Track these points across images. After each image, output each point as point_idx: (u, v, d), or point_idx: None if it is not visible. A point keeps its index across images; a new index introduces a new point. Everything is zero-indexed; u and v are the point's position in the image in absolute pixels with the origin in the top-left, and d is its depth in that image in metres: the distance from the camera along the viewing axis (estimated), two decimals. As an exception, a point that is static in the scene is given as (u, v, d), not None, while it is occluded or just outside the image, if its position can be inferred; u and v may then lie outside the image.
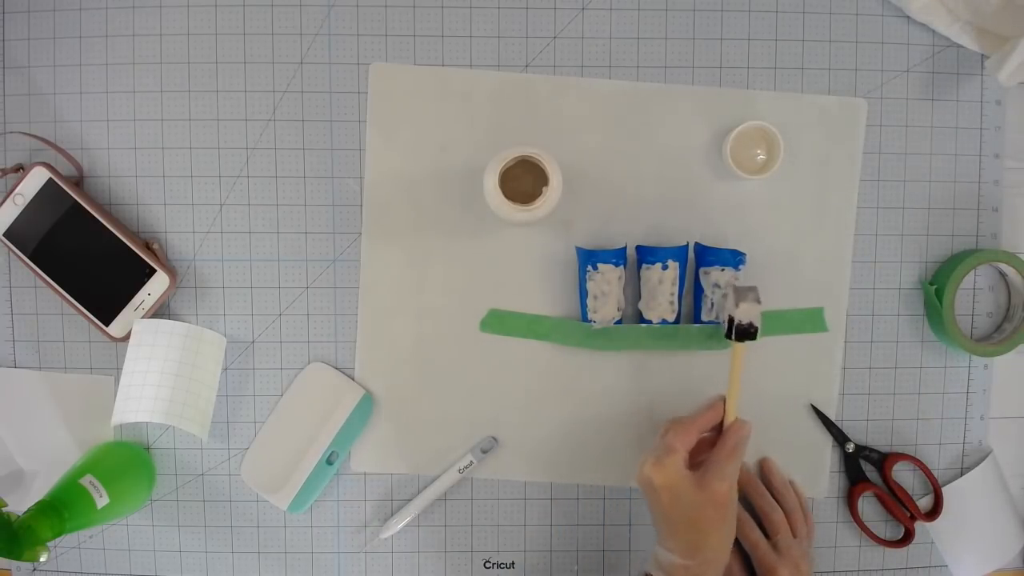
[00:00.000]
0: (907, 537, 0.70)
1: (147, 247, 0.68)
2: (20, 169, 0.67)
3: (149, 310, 0.67)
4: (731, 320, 0.61)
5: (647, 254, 0.67)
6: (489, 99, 0.69)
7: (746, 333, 0.61)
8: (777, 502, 0.67)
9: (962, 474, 0.72)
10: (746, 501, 0.68)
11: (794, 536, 0.66)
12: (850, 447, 0.70)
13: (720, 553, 0.57)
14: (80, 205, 0.66)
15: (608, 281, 0.66)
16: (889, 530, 0.72)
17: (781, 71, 0.69)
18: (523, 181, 0.63)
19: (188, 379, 0.67)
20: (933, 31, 0.69)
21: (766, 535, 0.66)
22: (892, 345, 0.71)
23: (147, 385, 0.66)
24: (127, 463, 0.68)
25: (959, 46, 0.70)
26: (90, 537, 0.71)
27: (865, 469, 0.71)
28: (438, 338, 0.70)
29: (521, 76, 0.69)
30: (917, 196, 0.71)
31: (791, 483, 0.70)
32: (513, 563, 0.71)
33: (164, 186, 0.69)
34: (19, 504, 0.68)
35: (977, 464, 0.72)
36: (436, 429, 0.70)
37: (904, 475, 0.72)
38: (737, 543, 0.67)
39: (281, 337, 0.70)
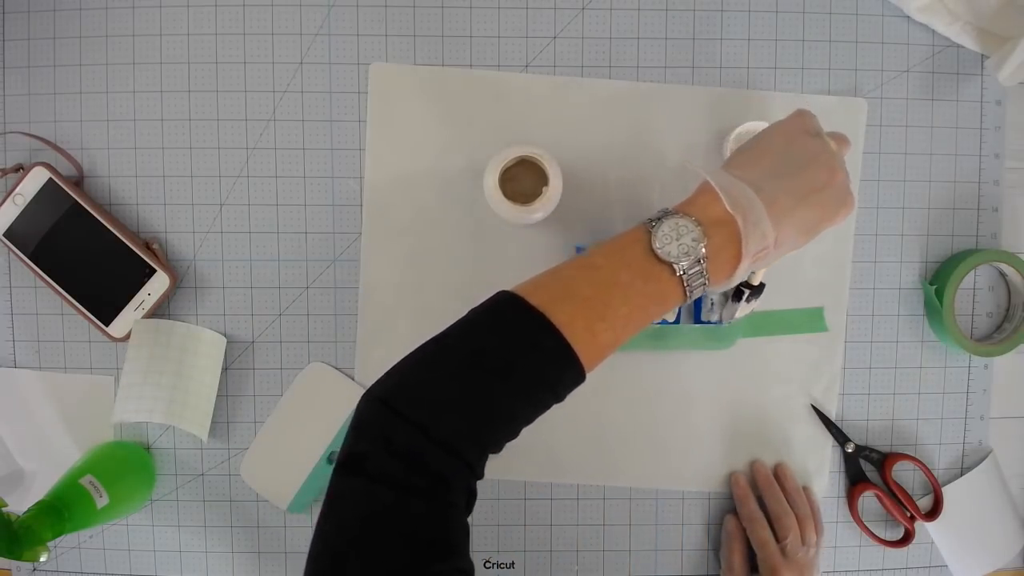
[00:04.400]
0: (907, 537, 0.70)
1: (147, 247, 0.68)
2: (20, 169, 0.67)
3: (149, 310, 0.67)
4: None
5: None
6: (489, 99, 0.69)
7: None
8: (790, 508, 0.68)
9: (962, 474, 0.72)
10: (760, 501, 0.69)
11: (803, 544, 0.66)
12: (850, 447, 0.70)
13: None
14: (80, 205, 0.66)
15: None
16: (889, 530, 0.72)
17: (781, 71, 0.69)
18: (523, 181, 0.63)
19: (188, 379, 0.67)
20: (933, 31, 0.69)
21: (777, 538, 0.66)
22: (892, 345, 0.71)
23: (147, 385, 0.66)
24: (127, 463, 0.68)
25: (959, 46, 0.70)
26: (90, 537, 0.71)
27: (865, 469, 0.71)
28: (438, 338, 0.69)
29: (521, 76, 0.69)
30: (917, 196, 0.71)
31: (806, 491, 0.70)
32: (513, 563, 0.71)
33: (164, 186, 0.69)
34: (19, 504, 0.68)
35: (977, 464, 0.72)
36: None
37: (904, 475, 0.72)
38: (746, 540, 0.68)
39: (281, 337, 0.70)
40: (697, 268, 0.46)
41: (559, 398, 0.47)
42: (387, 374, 0.45)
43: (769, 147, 0.51)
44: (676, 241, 0.46)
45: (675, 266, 0.46)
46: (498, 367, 0.44)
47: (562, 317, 0.44)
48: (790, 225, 0.47)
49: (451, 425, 0.42)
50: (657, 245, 0.46)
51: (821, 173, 0.49)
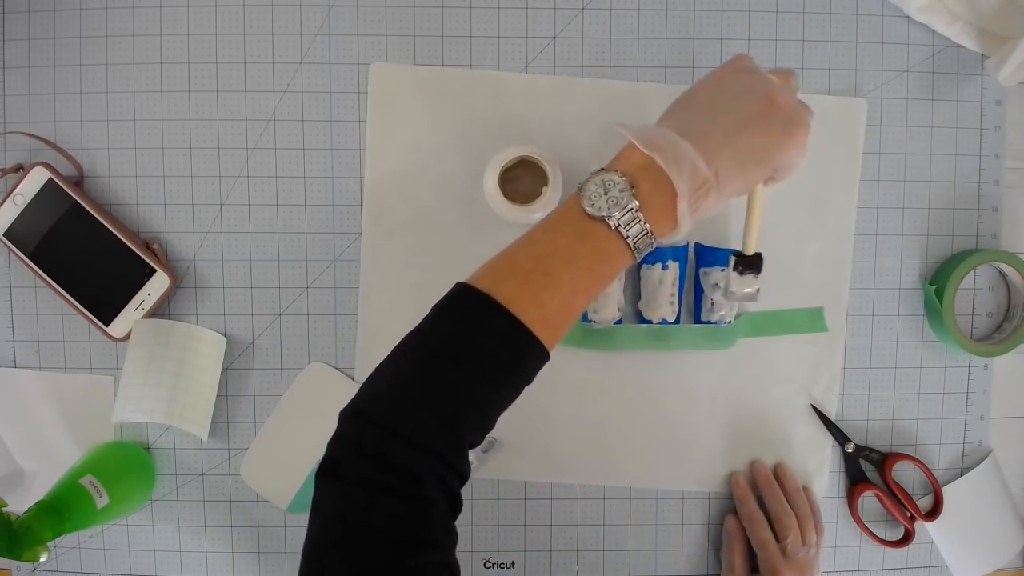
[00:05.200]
0: (907, 537, 0.70)
1: (147, 247, 0.68)
2: (20, 169, 0.67)
3: (149, 310, 0.67)
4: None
5: (647, 254, 0.66)
6: (489, 99, 0.69)
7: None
8: (790, 507, 0.68)
9: (962, 474, 0.72)
10: (761, 501, 0.69)
11: (803, 544, 0.66)
12: (850, 447, 0.70)
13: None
14: (80, 205, 0.66)
15: (608, 281, 0.65)
16: (889, 530, 0.72)
17: (781, 71, 0.69)
18: (523, 181, 0.63)
19: (188, 379, 0.67)
20: (933, 31, 0.69)
21: (777, 538, 0.66)
22: (892, 345, 0.71)
23: (147, 385, 0.66)
24: (127, 463, 0.68)
25: (959, 46, 0.70)
26: (90, 537, 0.71)
27: (865, 469, 0.71)
28: (438, 338, 0.69)
29: (521, 76, 0.69)
30: (917, 196, 0.71)
31: (806, 491, 0.70)
32: (513, 563, 0.71)
33: (164, 186, 0.69)
34: (19, 504, 0.68)
35: (977, 464, 0.72)
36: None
37: (904, 475, 0.72)
38: (747, 540, 0.68)
39: (281, 337, 0.70)
40: (632, 218, 0.45)
41: (527, 378, 0.47)
42: (364, 382, 0.46)
43: (699, 91, 0.50)
44: (604, 196, 0.45)
45: (608, 220, 0.45)
46: (454, 355, 0.44)
47: (506, 293, 0.45)
48: (729, 157, 0.46)
49: (415, 420, 0.43)
50: (586, 204, 0.46)
51: (756, 103, 0.48)
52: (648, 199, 0.45)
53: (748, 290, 0.60)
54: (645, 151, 0.46)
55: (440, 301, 0.47)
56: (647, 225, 0.46)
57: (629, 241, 0.46)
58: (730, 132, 0.47)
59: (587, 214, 0.46)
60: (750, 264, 0.59)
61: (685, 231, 0.47)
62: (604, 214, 0.45)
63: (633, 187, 0.45)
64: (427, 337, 0.46)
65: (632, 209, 0.45)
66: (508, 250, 0.48)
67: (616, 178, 0.45)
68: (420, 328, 0.47)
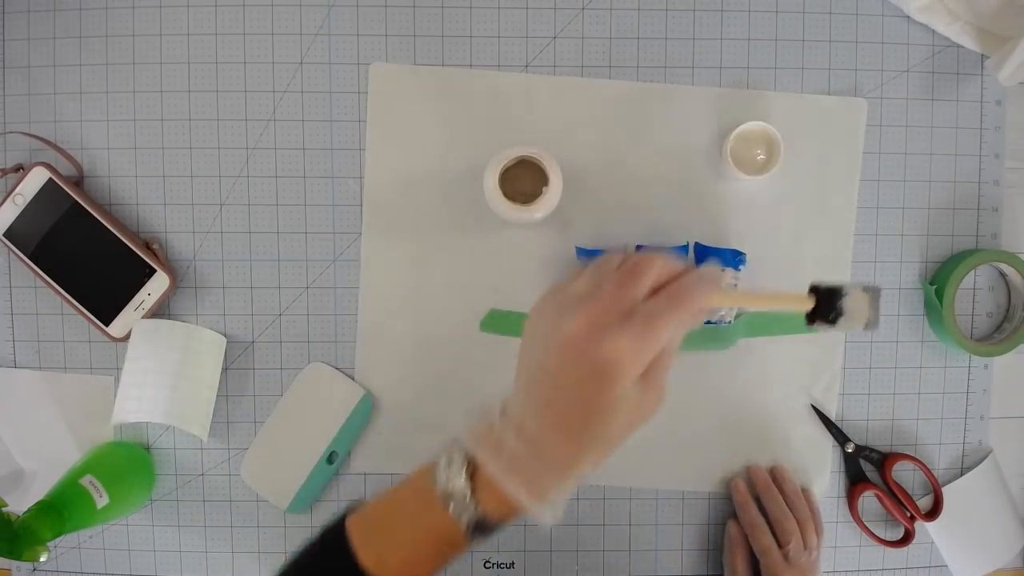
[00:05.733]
0: (907, 537, 0.70)
1: (147, 247, 0.68)
2: (20, 169, 0.67)
3: (149, 310, 0.67)
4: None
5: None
6: (489, 99, 0.69)
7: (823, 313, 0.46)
8: (789, 510, 0.67)
9: (962, 474, 0.72)
10: (760, 506, 0.68)
11: (804, 547, 0.66)
12: (850, 447, 0.70)
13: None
14: (80, 205, 0.66)
15: (608, 281, 0.65)
16: (889, 530, 0.72)
17: (781, 71, 0.69)
18: (523, 181, 0.63)
19: (188, 379, 0.67)
20: (933, 31, 0.69)
21: (779, 543, 0.66)
22: (892, 345, 0.71)
23: (147, 385, 0.66)
24: (127, 463, 0.68)
25: (959, 46, 0.70)
26: (90, 537, 0.71)
27: (865, 469, 0.71)
28: (438, 338, 0.70)
29: (521, 76, 0.69)
30: (917, 196, 0.71)
31: (805, 493, 0.70)
32: (513, 563, 0.71)
33: (164, 186, 0.69)
34: (19, 504, 0.68)
35: (977, 464, 0.72)
36: (436, 429, 0.70)
37: (904, 475, 0.72)
38: (748, 545, 0.68)
39: (281, 337, 0.70)
40: (464, 507, 0.40)
41: None
42: None
43: (523, 343, 0.43)
44: (447, 470, 0.41)
45: (441, 502, 0.41)
46: None
47: (358, 539, 0.43)
48: (552, 438, 0.40)
49: None
50: (432, 474, 0.42)
51: (552, 353, 0.39)
52: (490, 481, 0.40)
53: (864, 317, 0.47)
54: (471, 453, 0.41)
55: (324, 526, 0.46)
56: (479, 512, 0.40)
57: (461, 530, 0.41)
58: (540, 402, 0.40)
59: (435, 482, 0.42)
60: (828, 301, 0.47)
61: (552, 518, 0.40)
62: (438, 494, 0.41)
63: (473, 467, 0.40)
64: (303, 569, 0.45)
65: (465, 497, 0.40)
66: (392, 487, 0.45)
67: (456, 456, 0.41)
68: (299, 553, 0.46)
